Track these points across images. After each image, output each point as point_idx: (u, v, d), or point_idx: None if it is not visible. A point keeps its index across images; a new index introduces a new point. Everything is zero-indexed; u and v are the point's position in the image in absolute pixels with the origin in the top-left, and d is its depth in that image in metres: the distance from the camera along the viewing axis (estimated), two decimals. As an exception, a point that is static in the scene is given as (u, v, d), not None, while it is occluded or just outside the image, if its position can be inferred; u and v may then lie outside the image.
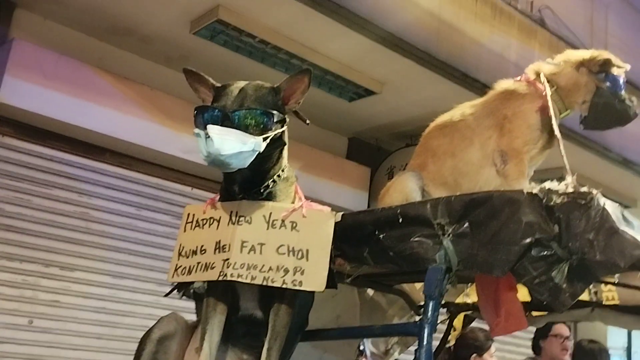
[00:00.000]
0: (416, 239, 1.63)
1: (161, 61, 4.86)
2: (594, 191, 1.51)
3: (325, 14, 4.15)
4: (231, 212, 1.74)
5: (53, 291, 4.31)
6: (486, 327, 4.12)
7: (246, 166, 1.66)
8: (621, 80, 2.07)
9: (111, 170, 4.68)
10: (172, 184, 5.01)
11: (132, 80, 4.60)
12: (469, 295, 2.59)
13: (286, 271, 1.63)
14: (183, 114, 4.80)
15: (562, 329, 4.65)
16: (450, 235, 1.59)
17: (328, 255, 1.66)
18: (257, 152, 1.66)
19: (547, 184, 1.54)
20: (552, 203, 1.49)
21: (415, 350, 1.64)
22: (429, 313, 1.57)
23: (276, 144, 1.77)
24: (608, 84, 2.05)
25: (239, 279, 1.64)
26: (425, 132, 2.24)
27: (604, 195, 1.52)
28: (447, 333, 2.60)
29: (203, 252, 1.72)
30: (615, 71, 2.06)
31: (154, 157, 4.79)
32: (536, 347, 4.69)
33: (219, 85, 1.83)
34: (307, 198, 1.87)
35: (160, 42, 4.65)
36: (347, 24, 4.23)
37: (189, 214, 1.82)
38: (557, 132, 1.89)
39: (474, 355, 3.96)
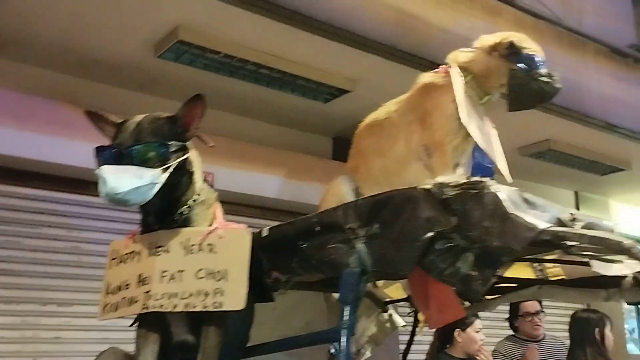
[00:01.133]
0: (332, 245, 1.66)
1: (134, 88, 4.92)
2: (486, 180, 1.52)
3: (282, 21, 4.17)
4: (150, 243, 1.78)
5: (54, 328, 4.39)
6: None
7: (149, 199, 1.69)
8: (537, 59, 2.07)
9: (96, 202, 4.71)
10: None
11: (106, 110, 4.66)
12: None
13: (206, 294, 1.67)
14: (161, 137, 4.89)
15: (528, 307, 4.67)
16: (363, 238, 1.61)
17: (246, 273, 1.70)
18: (157, 184, 1.70)
19: (440, 178, 1.56)
20: (446, 196, 1.51)
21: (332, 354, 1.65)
22: (346, 318, 1.59)
23: (182, 171, 1.81)
24: (521, 65, 2.05)
25: (161, 309, 1.69)
26: (356, 133, 2.26)
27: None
28: (414, 327, 2.62)
29: (127, 287, 1.77)
30: (527, 51, 2.06)
31: (137, 183, 4.85)
32: (512, 326, 4.77)
33: (119, 121, 1.87)
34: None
35: (129, 70, 4.71)
36: (306, 28, 4.26)
37: (113, 250, 1.87)
38: (464, 120, 1.89)
39: (457, 330, 4.04)
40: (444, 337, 4.30)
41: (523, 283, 2.24)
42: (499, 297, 2.39)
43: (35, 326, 4.29)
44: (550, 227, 1.46)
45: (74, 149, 4.44)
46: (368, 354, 2.73)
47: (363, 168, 2.16)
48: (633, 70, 6.08)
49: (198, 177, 1.93)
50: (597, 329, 4.32)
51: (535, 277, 2.16)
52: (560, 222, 1.64)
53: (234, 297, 1.67)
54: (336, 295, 2.61)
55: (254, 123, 5.45)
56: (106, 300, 1.82)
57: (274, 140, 5.51)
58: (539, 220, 1.50)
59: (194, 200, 1.85)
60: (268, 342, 2.00)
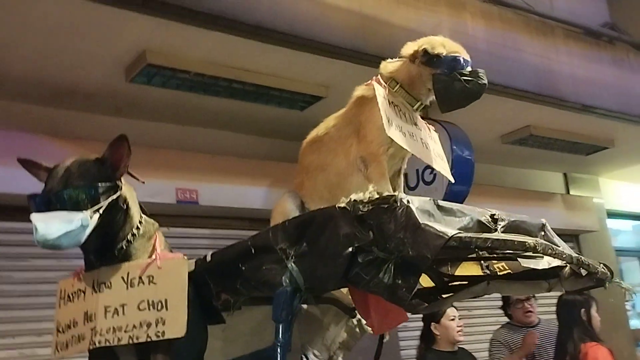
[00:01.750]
0: (267, 266, 1.73)
1: (111, 113, 5.01)
2: (397, 193, 1.59)
3: (246, 37, 4.24)
4: (93, 280, 1.86)
5: (51, 358, 4.47)
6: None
7: (82, 240, 1.77)
8: (457, 60, 2.12)
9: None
10: (148, 227, 5.14)
11: (83, 138, 4.75)
12: None
13: (149, 325, 1.75)
14: (140, 160, 4.90)
15: None
16: (293, 257, 1.68)
17: (185, 300, 1.78)
18: (88, 226, 1.77)
19: (353, 196, 1.63)
20: (361, 212, 1.58)
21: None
22: (280, 335, 1.67)
23: (115, 209, 1.88)
24: (440, 69, 2.11)
25: (107, 344, 1.76)
26: (300, 150, 2.33)
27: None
28: (382, 336, 2.69)
29: (75, 324, 1.85)
30: (444, 54, 2.12)
31: (122, 206, 4.94)
32: (507, 314, 4.85)
33: (50, 167, 1.95)
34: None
35: (104, 96, 4.80)
36: (270, 41, 4.33)
37: (61, 290, 1.95)
38: (387, 129, 1.96)
39: (432, 324, 4.14)
40: (426, 337, 4.38)
41: (473, 280, 2.30)
42: (451, 295, 2.46)
43: (32, 357, 4.37)
44: (458, 233, 1.53)
45: (56, 178, 4.53)
46: (340, 359, 2.81)
47: (307, 183, 2.23)
48: (605, 50, 6.13)
49: (134, 212, 2.00)
50: (582, 310, 4.39)
51: (483, 274, 2.22)
52: (480, 225, 1.71)
53: (175, 325, 1.75)
54: (304, 306, 2.70)
55: (234, 136, 5.53)
56: (57, 339, 1.91)
57: (256, 152, 5.58)
58: (449, 228, 1.56)
59: (133, 235, 1.93)
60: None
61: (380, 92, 2.07)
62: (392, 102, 2.12)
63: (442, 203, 1.68)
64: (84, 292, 1.88)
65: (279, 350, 1.67)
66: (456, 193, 5.35)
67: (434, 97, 2.21)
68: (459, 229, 1.61)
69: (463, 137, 5.43)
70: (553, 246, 1.69)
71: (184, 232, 5.21)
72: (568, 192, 7.84)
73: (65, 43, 4.11)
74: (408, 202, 1.57)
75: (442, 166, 2.23)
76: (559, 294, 4.54)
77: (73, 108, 4.84)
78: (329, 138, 2.21)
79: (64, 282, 1.99)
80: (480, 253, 1.84)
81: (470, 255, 2.02)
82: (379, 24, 4.73)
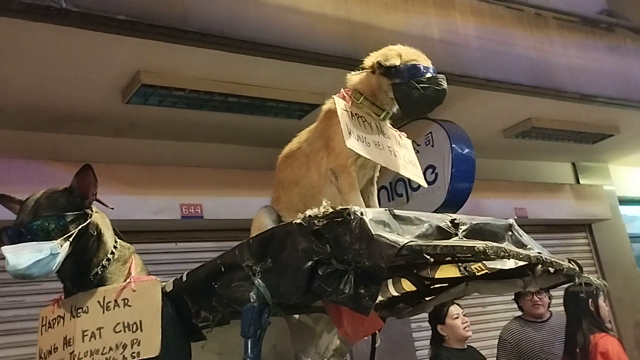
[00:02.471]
0: (235, 283, 1.78)
1: (111, 134, 5.11)
2: (351, 206, 1.63)
3: (235, 52, 4.30)
4: (71, 306, 1.93)
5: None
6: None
7: (53, 268, 1.83)
8: (419, 66, 2.15)
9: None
10: (156, 245, 5.23)
11: (85, 161, 4.81)
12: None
13: (124, 347, 1.81)
14: (143, 178, 5.06)
15: None
16: (259, 273, 1.73)
17: (159, 320, 1.83)
18: (59, 254, 1.84)
19: (308, 212, 1.67)
20: (316, 227, 1.62)
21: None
22: (249, 351, 1.72)
23: (86, 236, 1.94)
24: (398, 79, 2.14)
25: None
26: (276, 165, 2.38)
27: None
28: (373, 335, 2.72)
29: (56, 350, 1.92)
30: (399, 63, 2.15)
31: (127, 225, 4.99)
32: (519, 307, 4.87)
33: (22, 200, 2.01)
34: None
35: (103, 119, 4.89)
36: (259, 54, 4.38)
37: (43, 317, 2.02)
38: (346, 141, 1.99)
39: (438, 325, 4.19)
40: (435, 339, 4.42)
41: (452, 282, 2.33)
42: (433, 298, 2.49)
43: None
44: (409, 242, 1.56)
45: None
46: (334, 366, 2.85)
47: (283, 198, 2.28)
48: (601, 37, 6.10)
49: (108, 238, 2.07)
50: (590, 301, 4.38)
51: (461, 275, 2.25)
52: (440, 230, 1.73)
53: (150, 345, 1.81)
54: (296, 316, 2.74)
55: (235, 149, 5.60)
56: None
57: (257, 162, 5.63)
58: (406, 236, 1.60)
59: (108, 260, 1.99)
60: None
61: (341, 105, 2.11)
62: (355, 114, 2.15)
63: (398, 212, 1.71)
64: (63, 318, 1.94)
65: (248, 366, 1.71)
66: (459, 191, 5.38)
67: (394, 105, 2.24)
68: (416, 237, 1.64)
69: (462, 134, 5.44)
70: (506, 248, 1.71)
71: (191, 247, 5.29)
72: (578, 181, 7.79)
73: (61, 70, 4.20)
74: (362, 214, 1.61)
75: (413, 172, 2.26)
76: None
77: (73, 132, 4.95)
78: (301, 152, 2.26)
79: (45, 310, 2.06)
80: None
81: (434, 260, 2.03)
82: (368, 29, 4.76)
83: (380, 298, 2.61)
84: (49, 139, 4.87)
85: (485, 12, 5.29)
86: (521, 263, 1.90)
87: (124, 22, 3.79)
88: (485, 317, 6.61)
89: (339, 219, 1.62)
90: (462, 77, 5.14)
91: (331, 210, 1.65)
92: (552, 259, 1.89)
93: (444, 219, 1.79)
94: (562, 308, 4.64)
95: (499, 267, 2.03)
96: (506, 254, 1.69)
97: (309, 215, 1.66)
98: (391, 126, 2.36)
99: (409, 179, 5.65)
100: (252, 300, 1.73)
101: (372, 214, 1.63)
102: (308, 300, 1.95)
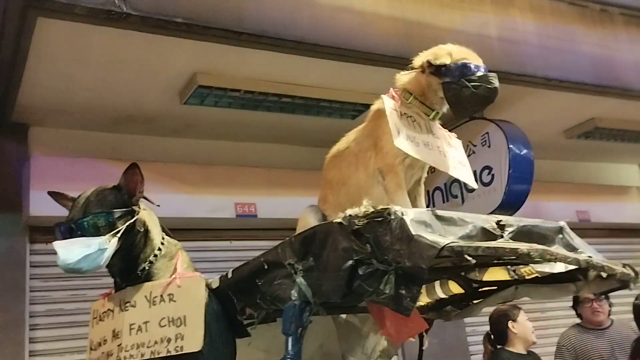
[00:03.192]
0: (278, 281, 1.79)
1: (169, 134, 5.23)
2: (391, 206, 1.61)
3: (288, 53, 4.33)
4: (120, 300, 1.99)
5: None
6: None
7: (102, 263, 1.88)
8: (470, 65, 2.11)
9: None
10: (211, 243, 5.32)
11: (144, 160, 4.97)
12: (419, 298, 2.67)
13: (169, 340, 1.85)
14: (199, 177, 5.17)
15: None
16: (301, 271, 1.73)
17: (202, 316, 1.87)
18: (107, 250, 1.89)
19: (349, 211, 1.66)
20: (356, 227, 1.61)
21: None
22: (289, 348, 1.72)
23: (133, 232, 1.98)
24: (449, 78, 2.11)
25: (131, 359, 1.87)
26: (324, 165, 2.38)
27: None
28: (421, 337, 2.69)
29: (105, 342, 1.98)
30: (449, 62, 2.11)
31: (185, 223, 5.13)
32: (577, 314, 4.74)
33: (74, 197, 2.08)
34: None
35: (162, 119, 5.01)
36: (313, 55, 4.40)
37: (94, 311, 2.08)
38: (395, 140, 1.97)
39: (510, 322, 4.08)
40: (497, 336, 4.32)
41: (501, 285, 2.28)
42: (481, 301, 2.44)
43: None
44: (450, 243, 1.53)
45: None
46: (382, 367, 2.83)
47: (330, 197, 2.28)
48: (670, 33, 5.84)
49: (155, 235, 2.11)
50: None
51: (511, 279, 2.19)
52: (485, 232, 1.69)
53: (193, 340, 1.85)
54: (343, 316, 2.74)
55: (288, 149, 5.64)
56: (90, 357, 2.06)
57: (311, 163, 5.62)
58: (449, 237, 1.57)
59: (155, 256, 2.04)
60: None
61: (389, 105, 2.10)
62: (404, 114, 2.13)
63: (441, 213, 1.68)
64: (113, 312, 2.01)
65: (288, 362, 1.72)
66: (517, 192, 5.25)
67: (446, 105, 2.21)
68: (460, 237, 1.61)
69: (520, 135, 5.31)
70: (552, 251, 1.66)
71: (245, 245, 5.35)
72: (646, 184, 7.49)
73: (121, 73, 4.33)
74: (402, 214, 1.59)
75: (462, 172, 2.22)
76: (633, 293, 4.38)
77: (133, 132, 5.09)
78: (350, 152, 2.26)
79: (96, 304, 2.12)
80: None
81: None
82: (424, 28, 4.70)
83: (427, 300, 2.59)
84: (110, 139, 5.03)
85: (546, 9, 5.15)
86: (571, 267, 1.83)
87: (181, 24, 3.87)
88: (543, 322, 6.43)
89: (380, 219, 1.61)
90: (520, 76, 5.02)
91: (372, 209, 1.64)
92: (604, 263, 1.82)
93: (489, 220, 1.75)
94: (623, 316, 4.48)
95: (547, 270, 1.97)
96: (552, 257, 1.64)
97: (350, 215, 1.66)
98: (441, 127, 2.33)
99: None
100: (293, 298, 1.74)
101: (413, 214, 1.61)
102: (352, 301, 1.94)
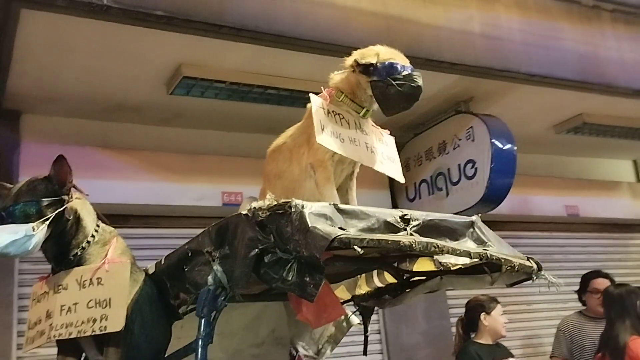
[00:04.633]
0: (198, 267, 1.92)
1: (159, 124, 5.36)
2: (292, 200, 1.71)
3: (270, 46, 4.42)
4: (54, 284, 2.13)
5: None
6: (488, 291, 4.31)
7: (30, 249, 2.01)
8: (396, 65, 2.20)
9: (138, 233, 5.19)
10: (198, 230, 5.42)
11: (134, 149, 5.14)
12: (360, 287, 2.78)
13: (94, 321, 1.99)
14: (188, 166, 5.30)
15: (597, 283, 4.77)
16: (218, 259, 1.86)
17: (125, 299, 2.02)
18: (34, 236, 2.01)
19: (254, 204, 1.77)
20: (260, 218, 1.72)
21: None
22: (201, 329, 1.84)
23: (62, 220, 2.11)
24: (376, 76, 2.20)
25: (60, 337, 2.03)
26: (265, 159, 2.49)
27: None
28: (365, 324, 2.80)
29: (39, 322, 2.13)
30: (375, 61, 2.21)
31: (172, 211, 5.28)
32: (580, 300, 4.83)
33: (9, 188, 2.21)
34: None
35: (150, 109, 5.14)
36: (294, 48, 4.49)
37: (33, 292, 2.23)
38: (317, 137, 2.07)
39: (483, 314, 4.18)
40: (468, 324, 4.42)
41: (429, 275, 2.38)
42: (410, 290, 2.54)
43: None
44: (341, 235, 1.63)
45: (109, 187, 4.91)
46: (329, 352, 2.94)
47: (268, 190, 2.38)
48: (659, 31, 5.84)
49: (88, 222, 2.25)
50: (638, 302, 4.30)
51: (436, 269, 2.29)
52: (387, 225, 1.80)
53: (116, 320, 1.99)
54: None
55: (276, 140, 5.72)
56: (28, 335, 2.22)
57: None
58: (337, 230, 1.67)
59: (88, 242, 2.17)
60: (167, 356, 2.28)
61: (317, 102, 2.20)
62: (333, 111, 2.24)
63: (344, 207, 1.79)
64: (48, 294, 2.15)
65: (200, 342, 1.85)
66: (498, 186, 5.33)
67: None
68: (361, 230, 1.72)
69: (504, 129, 5.38)
70: (438, 244, 1.76)
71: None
72: (639, 180, 7.50)
73: (108, 63, 4.46)
74: (302, 207, 1.70)
75: (389, 167, 2.32)
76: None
77: (122, 121, 5.22)
78: (286, 147, 2.37)
79: (35, 286, 2.28)
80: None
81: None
82: (406, 23, 4.77)
83: (367, 288, 2.70)
84: (100, 127, 5.17)
85: (530, 5, 5.19)
86: (476, 260, 1.93)
87: (161, 17, 3.98)
88: (529, 315, 6.51)
89: (281, 211, 1.72)
90: (503, 72, 5.08)
91: (275, 203, 1.75)
92: (502, 257, 1.91)
93: (393, 214, 1.85)
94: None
95: (452, 262, 2.07)
96: (437, 249, 1.74)
97: (254, 207, 1.78)
98: (374, 124, 2.42)
99: (449, 173, 5.67)
100: (209, 283, 1.87)
101: (313, 208, 1.72)
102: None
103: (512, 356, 4.35)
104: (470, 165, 5.43)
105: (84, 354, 2.23)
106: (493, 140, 5.25)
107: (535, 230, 6.69)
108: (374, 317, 5.86)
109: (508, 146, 5.33)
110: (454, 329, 6.19)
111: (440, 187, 5.70)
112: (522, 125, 5.94)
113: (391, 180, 6.08)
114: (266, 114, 5.38)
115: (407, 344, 5.89)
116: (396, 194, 6.05)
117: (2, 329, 4.55)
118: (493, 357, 4.13)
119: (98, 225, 2.29)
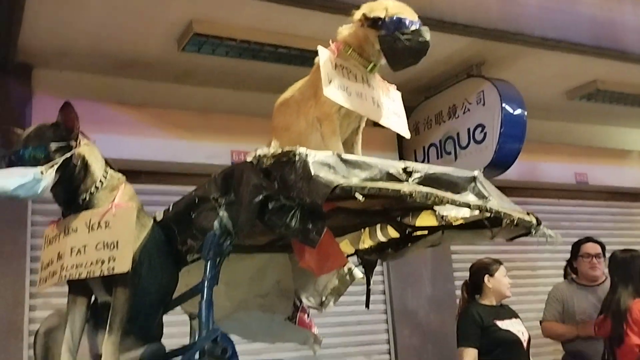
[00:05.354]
0: (204, 213, 1.97)
1: (170, 80, 5.38)
2: (297, 148, 1.75)
3: (283, 3, 4.41)
4: (64, 226, 2.20)
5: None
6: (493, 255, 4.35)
7: (39, 193, 2.07)
8: (404, 20, 2.20)
9: (149, 189, 5.24)
10: (207, 187, 5.51)
11: (145, 105, 5.17)
12: (364, 241, 2.83)
13: (102, 262, 2.06)
14: (198, 124, 5.33)
15: (588, 248, 4.79)
16: (224, 205, 1.91)
17: (132, 242, 2.10)
18: (43, 179, 2.06)
19: (259, 151, 1.81)
20: (265, 166, 1.76)
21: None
22: (207, 271, 1.91)
23: (70, 165, 2.15)
24: (384, 30, 2.21)
25: (70, 277, 2.10)
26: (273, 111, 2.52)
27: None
28: (368, 277, 2.87)
29: (51, 263, 2.20)
30: (385, 15, 2.21)
31: (183, 168, 5.33)
32: (572, 267, 4.86)
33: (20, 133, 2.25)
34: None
35: (161, 65, 5.15)
36: (308, 6, 4.47)
37: (46, 235, 2.30)
38: (324, 89, 2.09)
39: (486, 276, 4.23)
40: (472, 287, 4.48)
41: (431, 230, 2.42)
42: (412, 244, 2.58)
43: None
44: (344, 183, 1.67)
45: (121, 143, 4.96)
46: (332, 304, 3.01)
47: (274, 143, 2.43)
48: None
49: (96, 168, 2.30)
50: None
51: (438, 224, 2.33)
52: (389, 176, 1.83)
53: (123, 262, 2.06)
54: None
55: (284, 96, 5.73)
56: (41, 275, 2.29)
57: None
58: (340, 178, 1.71)
59: (96, 187, 2.23)
60: (174, 298, 2.36)
61: (324, 56, 2.22)
62: (341, 65, 2.25)
63: (347, 157, 1.83)
64: (59, 236, 2.22)
65: (206, 284, 1.92)
66: (507, 151, 5.34)
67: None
68: (364, 180, 1.75)
69: (515, 94, 5.36)
70: (438, 194, 1.79)
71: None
72: (651, 148, 7.46)
73: (120, 18, 4.46)
74: (306, 155, 1.74)
75: (395, 122, 2.34)
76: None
77: (135, 77, 5.24)
78: (294, 100, 2.39)
79: (47, 229, 2.34)
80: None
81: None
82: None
83: (370, 242, 2.75)
84: (112, 83, 5.19)
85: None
86: (476, 212, 1.96)
87: (173, -28, 3.97)
88: (534, 280, 6.57)
89: (285, 159, 1.76)
90: (516, 35, 5.05)
91: (280, 150, 1.79)
92: (502, 210, 1.95)
93: (395, 166, 1.88)
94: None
95: (452, 214, 2.10)
96: (437, 199, 1.78)
97: (259, 155, 1.82)
98: (381, 78, 2.44)
99: (458, 138, 5.67)
100: (214, 228, 1.92)
101: (317, 157, 1.76)
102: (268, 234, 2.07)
103: (517, 316, 4.40)
104: (479, 129, 5.43)
105: (93, 295, 2.31)
106: (504, 105, 5.24)
107: (543, 197, 6.70)
108: (379, 279, 5.98)
109: (519, 111, 5.32)
110: (459, 292, 6.32)
111: (449, 151, 5.71)
112: (534, 91, 5.90)
113: (400, 143, 6.13)
114: (277, 73, 5.36)
115: (412, 307, 5.97)
116: (404, 157, 6.06)
117: (16, 278, 4.66)
118: (495, 317, 4.18)
119: (106, 172, 2.34)
